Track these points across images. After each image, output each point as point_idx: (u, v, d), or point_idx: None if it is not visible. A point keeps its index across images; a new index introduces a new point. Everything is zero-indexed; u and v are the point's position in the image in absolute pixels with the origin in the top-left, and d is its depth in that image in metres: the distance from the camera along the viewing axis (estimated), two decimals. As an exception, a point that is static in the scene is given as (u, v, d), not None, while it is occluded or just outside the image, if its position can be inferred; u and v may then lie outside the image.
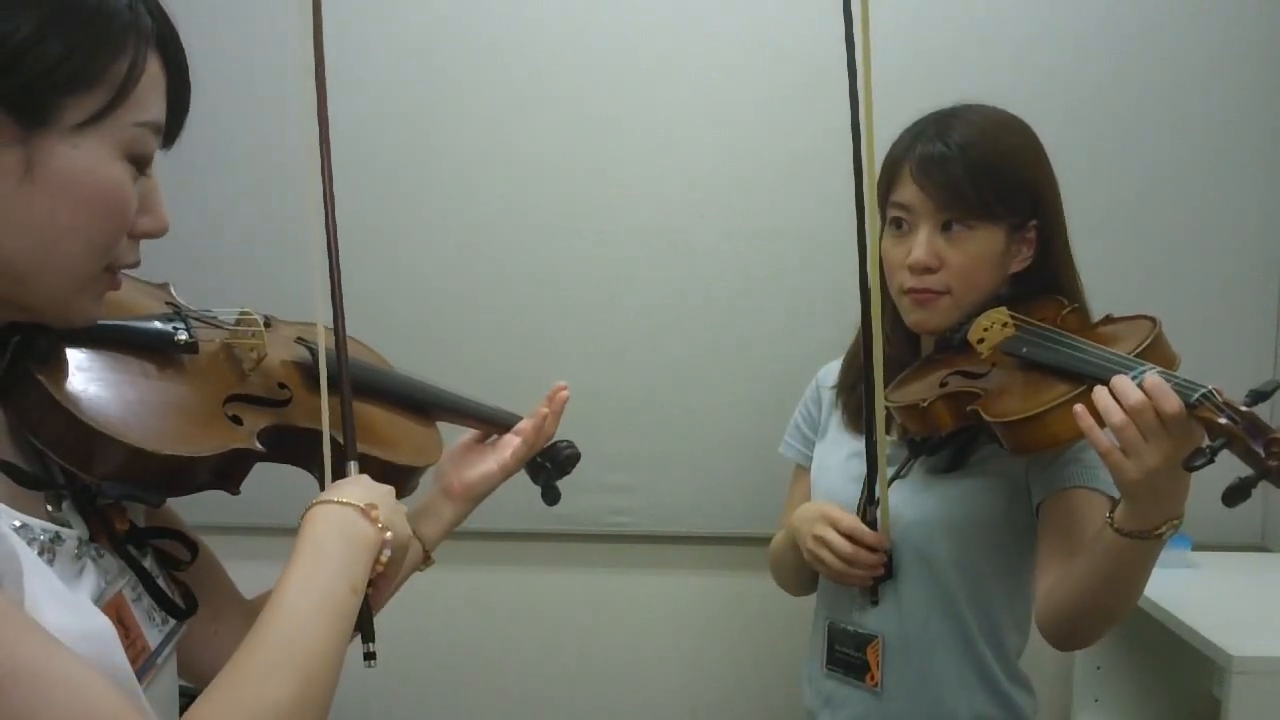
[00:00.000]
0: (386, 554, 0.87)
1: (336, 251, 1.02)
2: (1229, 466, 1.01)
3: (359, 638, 0.90)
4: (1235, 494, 0.94)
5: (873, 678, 1.37)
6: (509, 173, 1.97)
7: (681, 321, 2.00)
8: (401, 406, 1.17)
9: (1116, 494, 1.23)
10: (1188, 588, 1.69)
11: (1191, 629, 1.58)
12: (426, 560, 1.18)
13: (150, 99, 0.76)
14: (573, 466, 1.27)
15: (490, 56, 1.95)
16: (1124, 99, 1.95)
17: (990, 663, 1.35)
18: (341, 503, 0.85)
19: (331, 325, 1.01)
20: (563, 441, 1.26)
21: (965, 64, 1.91)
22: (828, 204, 1.95)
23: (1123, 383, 1.03)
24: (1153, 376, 1.02)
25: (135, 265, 0.81)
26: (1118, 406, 1.02)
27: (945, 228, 1.31)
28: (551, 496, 1.26)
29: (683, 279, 1.99)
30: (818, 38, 1.92)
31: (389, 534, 0.87)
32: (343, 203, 2.10)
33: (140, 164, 0.77)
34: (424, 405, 1.21)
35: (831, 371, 1.55)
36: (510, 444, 1.23)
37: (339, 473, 0.96)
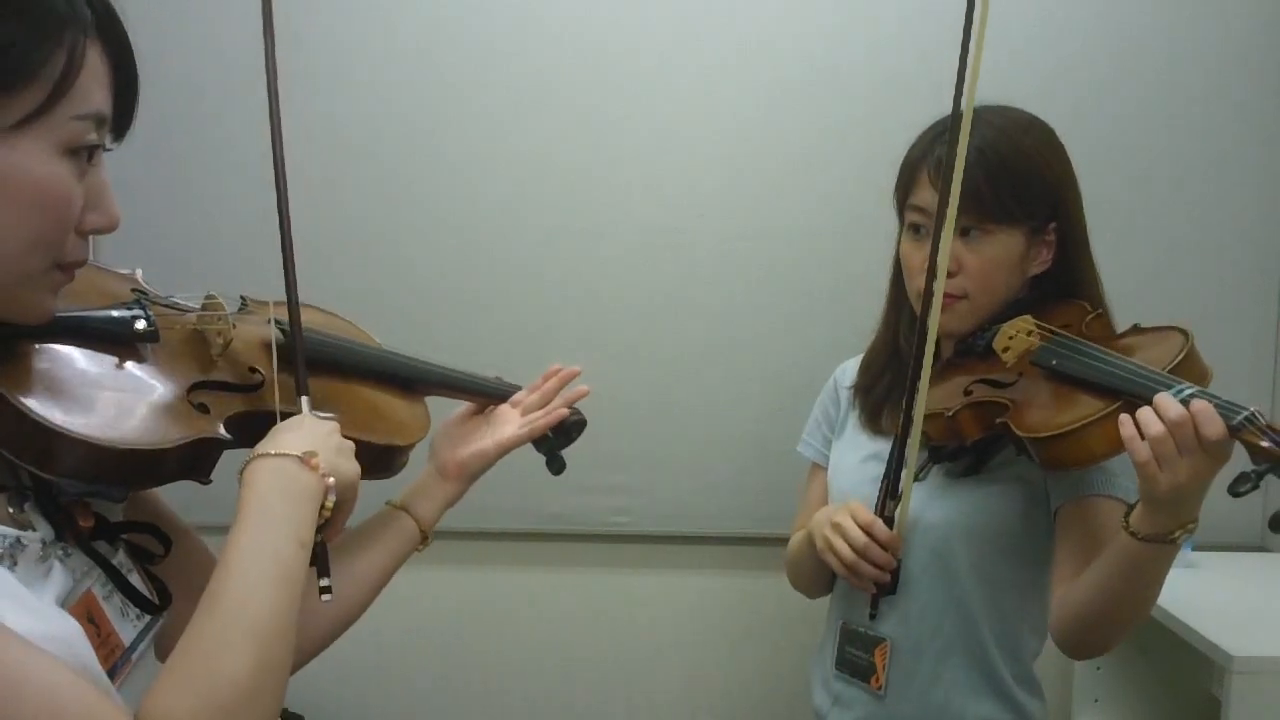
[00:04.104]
0: (331, 498, 0.85)
1: (287, 216, 0.97)
2: (1235, 464, 1.02)
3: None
4: None
5: (878, 680, 1.36)
6: (509, 172, 1.97)
7: (681, 321, 2.00)
8: (382, 383, 1.13)
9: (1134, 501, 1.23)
10: (1188, 588, 1.69)
11: (1191, 629, 1.58)
12: (424, 541, 1.15)
13: (91, 90, 0.73)
14: (579, 433, 1.22)
15: (490, 56, 1.95)
16: (1124, 99, 1.95)
17: (1001, 668, 1.34)
18: (280, 454, 0.83)
19: (301, 304, 0.98)
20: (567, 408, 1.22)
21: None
22: (828, 204, 1.95)
23: (1165, 399, 1.03)
24: (1200, 401, 1.02)
25: (84, 262, 0.79)
26: (1157, 419, 1.02)
27: (964, 232, 1.29)
28: (556, 466, 1.21)
29: (682, 279, 1.99)
30: (818, 37, 1.93)
31: (331, 479, 0.85)
32: (344, 203, 2.12)
33: (83, 158, 0.74)
34: (407, 380, 1.16)
35: (849, 370, 1.53)
36: (508, 418, 1.20)
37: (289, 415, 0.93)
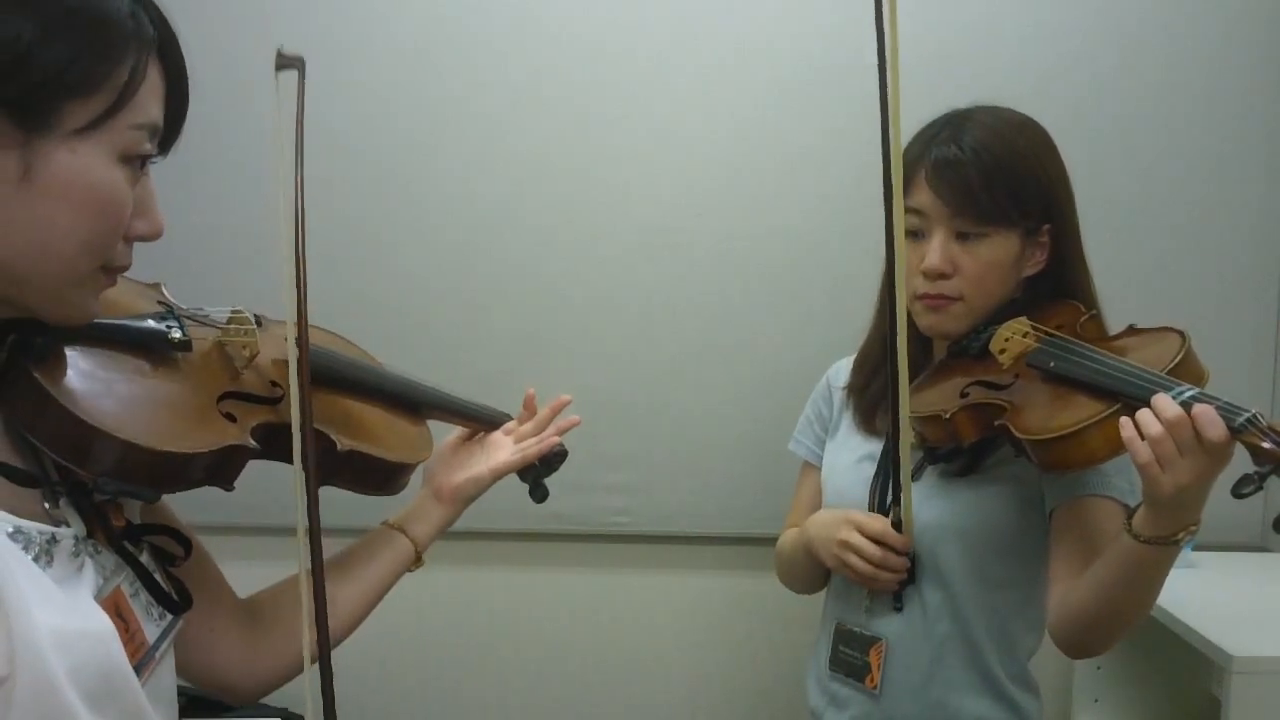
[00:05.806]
0: None
1: (302, 243, 0.94)
2: (1235, 465, 1.02)
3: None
4: None
5: (872, 680, 1.36)
6: (508, 173, 1.97)
7: (680, 321, 1.99)
8: (392, 404, 1.18)
9: (1131, 502, 1.22)
10: (1188, 588, 1.69)
11: (1191, 629, 1.58)
12: (417, 561, 1.18)
13: (149, 103, 0.78)
14: (560, 463, 1.27)
15: (488, 56, 1.95)
16: (1124, 98, 1.94)
17: (995, 667, 1.34)
18: None
19: (309, 326, 0.99)
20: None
21: (964, 64, 1.91)
22: (826, 204, 1.95)
23: (1162, 400, 1.03)
24: (1201, 405, 1.02)
25: (127, 268, 0.83)
26: (1156, 420, 1.02)
27: (960, 233, 1.30)
28: (540, 494, 1.27)
29: (681, 279, 1.99)
30: (817, 37, 1.93)
31: None
32: (342, 203, 2.11)
33: (136, 166, 0.78)
34: (414, 403, 1.21)
35: (842, 370, 1.53)
36: (501, 444, 1.25)
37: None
